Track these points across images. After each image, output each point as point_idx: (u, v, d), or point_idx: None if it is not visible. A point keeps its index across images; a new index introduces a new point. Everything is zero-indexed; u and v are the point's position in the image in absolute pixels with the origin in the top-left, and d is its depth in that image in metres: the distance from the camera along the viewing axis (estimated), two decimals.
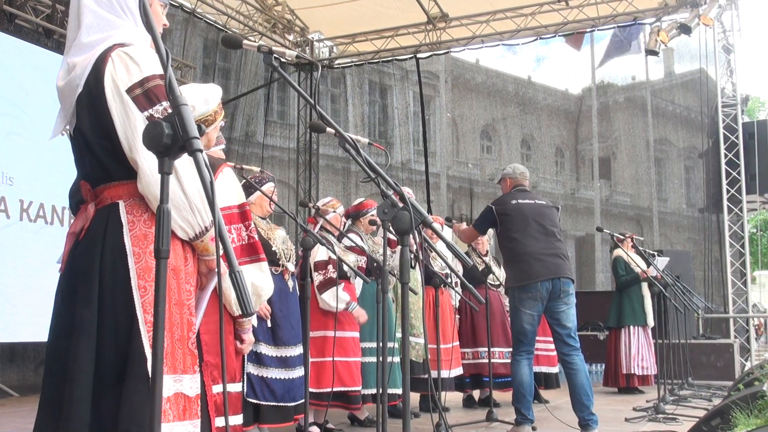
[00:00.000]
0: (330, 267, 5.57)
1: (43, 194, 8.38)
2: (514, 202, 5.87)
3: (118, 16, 2.39)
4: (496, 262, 8.06)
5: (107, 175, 2.32)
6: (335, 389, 5.43)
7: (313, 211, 5.86)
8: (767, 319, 22.36)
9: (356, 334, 5.87)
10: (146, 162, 2.19)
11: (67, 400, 2.14)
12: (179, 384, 2.25)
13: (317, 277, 5.58)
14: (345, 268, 5.67)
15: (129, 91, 2.24)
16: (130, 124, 2.22)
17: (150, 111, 2.23)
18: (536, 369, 7.82)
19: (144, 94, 2.24)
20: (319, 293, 5.56)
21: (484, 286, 7.19)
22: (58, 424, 2.15)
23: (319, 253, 5.54)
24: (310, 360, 4.98)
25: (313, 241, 4.74)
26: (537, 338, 7.71)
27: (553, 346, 7.74)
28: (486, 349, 7.39)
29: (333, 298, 5.45)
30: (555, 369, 8.10)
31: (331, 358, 5.48)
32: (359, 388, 5.79)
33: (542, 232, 5.76)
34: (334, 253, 5.19)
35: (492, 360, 7.33)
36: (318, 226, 5.77)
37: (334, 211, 5.89)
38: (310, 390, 4.96)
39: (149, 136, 1.72)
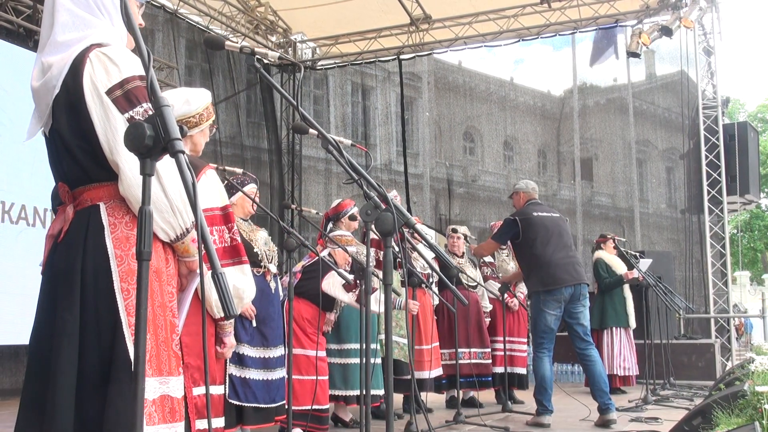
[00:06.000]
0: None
1: (24, 196, 8.31)
2: (535, 214, 6.59)
3: (95, 15, 2.35)
4: (472, 263, 8.06)
5: (86, 176, 2.29)
6: (308, 407, 5.27)
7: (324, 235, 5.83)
8: (748, 320, 22.51)
9: (323, 354, 5.68)
10: (127, 164, 2.16)
11: (50, 404, 2.11)
12: (165, 386, 2.23)
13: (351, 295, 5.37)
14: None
15: (109, 92, 2.21)
16: (111, 126, 2.19)
17: (131, 113, 2.19)
18: (509, 370, 7.90)
19: (124, 95, 2.21)
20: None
21: (461, 287, 7.21)
22: (40, 427, 2.13)
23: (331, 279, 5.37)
24: (285, 378, 4.88)
25: (295, 242, 4.72)
26: (509, 339, 7.91)
27: (524, 347, 8.13)
28: (462, 350, 7.43)
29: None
30: (524, 370, 8.15)
31: (307, 377, 5.40)
32: (327, 406, 5.66)
33: (562, 244, 6.53)
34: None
35: (468, 360, 7.37)
36: (326, 251, 5.69)
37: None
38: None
39: (130, 137, 1.69)
